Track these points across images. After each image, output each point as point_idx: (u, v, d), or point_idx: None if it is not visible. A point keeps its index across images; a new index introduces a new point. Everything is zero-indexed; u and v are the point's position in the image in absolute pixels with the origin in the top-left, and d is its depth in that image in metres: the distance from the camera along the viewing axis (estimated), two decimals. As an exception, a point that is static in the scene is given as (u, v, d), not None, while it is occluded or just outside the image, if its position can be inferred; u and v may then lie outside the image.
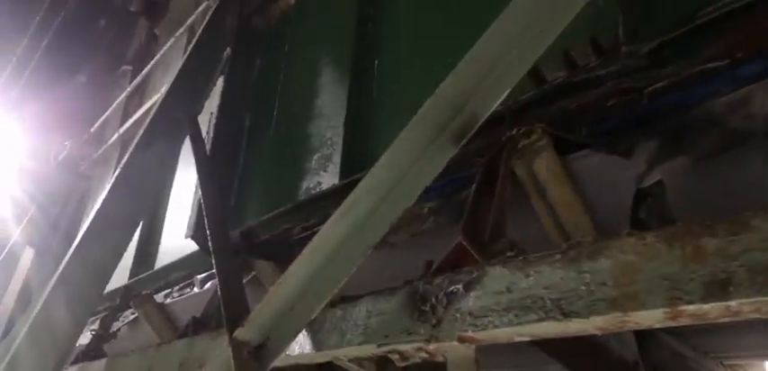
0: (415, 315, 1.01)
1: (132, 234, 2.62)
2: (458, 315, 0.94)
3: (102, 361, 2.22)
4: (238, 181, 3.06)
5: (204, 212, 1.84)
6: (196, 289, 2.99)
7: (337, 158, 2.35)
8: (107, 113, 5.44)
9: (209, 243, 1.63)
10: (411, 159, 1.07)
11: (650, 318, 0.73)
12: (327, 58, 2.71)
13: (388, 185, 1.08)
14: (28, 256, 5.01)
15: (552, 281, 0.83)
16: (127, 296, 3.39)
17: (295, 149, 2.68)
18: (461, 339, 0.91)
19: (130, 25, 6.41)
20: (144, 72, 5.02)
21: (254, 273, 2.40)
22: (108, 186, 2.58)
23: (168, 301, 3.00)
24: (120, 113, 5.61)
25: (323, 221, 2.36)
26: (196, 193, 3.02)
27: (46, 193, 5.48)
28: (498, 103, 1.01)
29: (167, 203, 3.78)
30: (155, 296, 3.04)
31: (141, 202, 2.67)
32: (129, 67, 6.04)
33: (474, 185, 1.18)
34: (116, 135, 4.99)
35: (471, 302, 0.92)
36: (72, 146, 5.27)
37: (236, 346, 1.16)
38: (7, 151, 5.82)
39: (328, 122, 2.51)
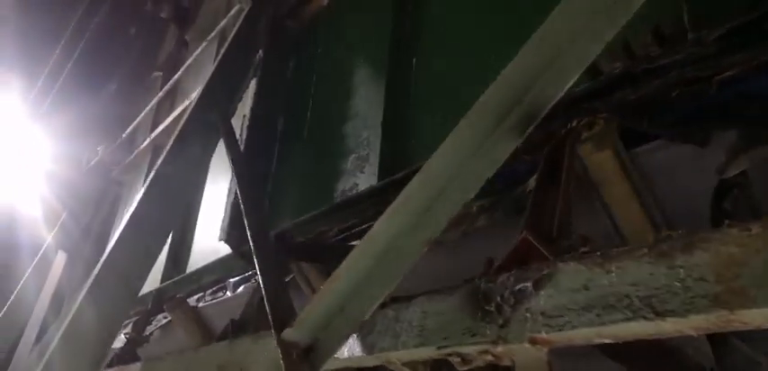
0: (479, 315, 0.95)
1: (166, 238, 2.60)
2: (528, 315, 0.87)
3: (137, 365, 2.19)
4: (272, 184, 3.02)
5: (244, 214, 1.80)
6: (229, 293, 2.96)
7: (374, 159, 2.29)
8: (138, 119, 5.48)
9: (251, 245, 1.58)
10: (470, 151, 1.01)
11: (762, 316, 0.65)
12: (362, 57, 2.66)
13: (445, 179, 1.02)
14: (60, 260, 5.04)
15: (639, 277, 0.76)
16: (159, 300, 3.37)
17: (330, 151, 2.63)
18: (533, 341, 0.85)
19: (161, 32, 6.47)
20: (174, 78, 5.04)
21: (291, 275, 2.36)
22: (141, 191, 2.57)
23: (201, 304, 2.97)
24: (150, 118, 5.64)
25: (361, 224, 2.33)
26: (229, 196, 3.00)
27: (77, 198, 5.52)
28: (564, 91, 0.94)
29: (200, 207, 3.76)
30: (187, 300, 3.01)
31: (174, 206, 2.66)
32: (160, 74, 6.08)
33: (535, 179, 1.12)
34: (147, 140, 5.01)
35: (543, 301, 0.86)
36: (104, 152, 5.31)
37: (285, 347, 1.11)
38: (39, 158, 5.89)
39: (364, 122, 2.47)
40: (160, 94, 5.21)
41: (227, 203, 2.96)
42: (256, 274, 2.84)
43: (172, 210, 2.64)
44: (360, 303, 1.08)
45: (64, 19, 7.17)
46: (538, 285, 0.88)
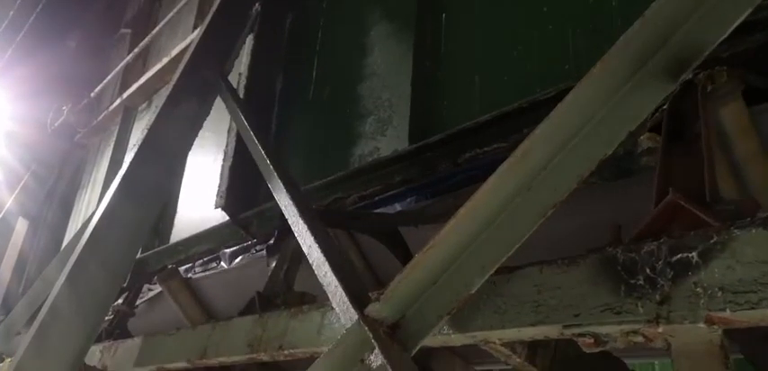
0: (622, 290, 0.81)
1: (163, 199, 2.40)
2: (698, 290, 0.74)
3: (137, 340, 1.98)
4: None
5: (269, 179, 1.61)
6: (224, 264, 2.76)
7: (399, 121, 2.13)
8: (107, 79, 5.13)
9: (287, 211, 1.40)
10: (606, 98, 0.86)
11: None
12: (381, 12, 2.47)
13: (575, 130, 0.87)
14: (22, 226, 4.71)
15: None
16: (142, 271, 3.14)
17: (342, 113, 2.45)
18: (710, 321, 0.71)
19: (129, -15, 6.07)
20: (148, 37, 4.71)
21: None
22: (133, 152, 2.36)
23: (194, 276, 2.76)
24: (118, 80, 5.30)
25: (384, 190, 2.17)
26: (226, 160, 2.79)
27: (40, 161, 5.16)
28: (730, 29, 0.80)
29: (183, 173, 3.51)
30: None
31: (170, 165, 2.45)
32: (128, 31, 5.71)
33: (662, 137, 0.99)
34: (118, 100, 4.69)
35: (718, 274, 0.73)
36: (69, 112, 4.94)
37: (373, 325, 0.95)
38: (2, 120, 5.48)
39: (384, 82, 2.29)
40: (131, 54, 4.87)
41: (223, 167, 2.74)
42: (258, 243, 2.65)
43: (167, 172, 2.44)
44: (461, 276, 0.92)
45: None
46: (706, 256, 0.75)
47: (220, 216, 2.86)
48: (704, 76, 1.01)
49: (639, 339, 0.79)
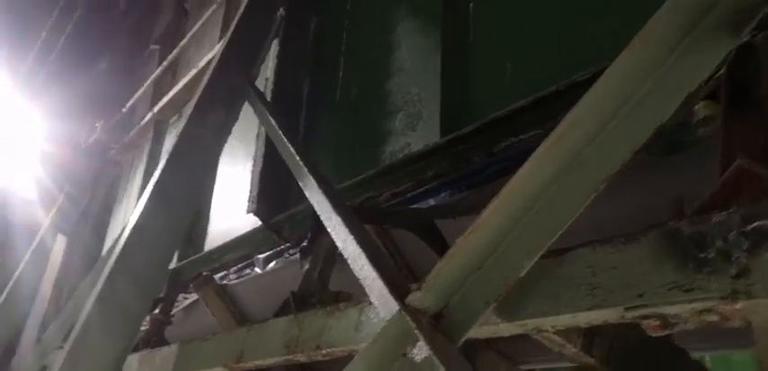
0: (690, 266, 0.74)
1: (193, 208, 2.40)
2: (784, 261, 0.66)
3: (173, 347, 1.96)
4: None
5: (300, 179, 1.57)
6: (258, 270, 2.73)
7: (430, 115, 2.07)
8: (137, 94, 5.20)
9: (329, 206, 1.35)
10: (661, 58, 0.79)
11: None
12: (405, 9, 2.42)
13: (626, 96, 0.81)
14: (60, 245, 4.78)
15: None
16: (175, 281, 3.14)
17: (370, 112, 2.41)
18: (802, 294, 0.64)
19: (157, 3, 6.16)
20: (176, 49, 4.76)
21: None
22: (163, 160, 2.36)
23: (229, 283, 2.74)
24: (150, 94, 5.36)
25: (417, 186, 2.11)
26: (256, 165, 2.77)
27: (74, 180, 5.24)
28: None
29: (215, 182, 3.51)
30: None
31: (199, 174, 2.45)
32: (158, 47, 5.78)
33: (722, 103, 0.91)
34: (149, 115, 4.74)
35: (807, 241, 0.65)
36: (101, 129, 5.02)
37: (415, 315, 0.89)
38: (33, 138, 5.60)
39: (412, 77, 2.24)
40: (159, 68, 4.91)
41: (253, 172, 2.73)
42: (291, 246, 2.63)
43: (197, 178, 2.44)
44: (508, 259, 0.86)
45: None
46: (785, 222, 0.68)
47: (253, 222, 2.85)
48: (763, 37, 0.93)
49: (714, 317, 0.72)
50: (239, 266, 2.94)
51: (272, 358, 1.46)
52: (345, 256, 1.19)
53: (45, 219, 5.05)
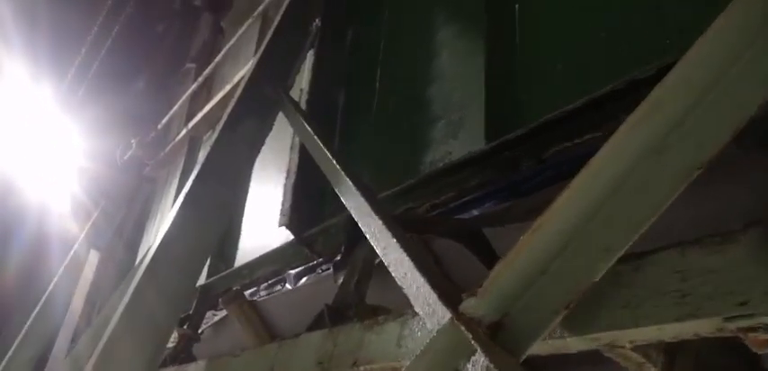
0: (808, 267, 0.62)
1: (225, 220, 2.32)
2: None
3: (201, 363, 1.88)
4: (335, 163, 2.71)
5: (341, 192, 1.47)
6: (289, 286, 2.64)
7: (473, 122, 1.96)
8: (173, 111, 5.22)
9: (369, 210, 1.25)
10: (760, 23, 0.67)
11: None
12: (446, 14, 2.33)
13: (724, 68, 0.69)
14: (93, 260, 4.79)
15: None
16: (205, 297, 3.07)
17: (409, 121, 2.31)
18: None
19: (193, 21, 6.22)
20: (211, 66, 4.77)
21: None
22: (195, 170, 2.31)
23: (258, 299, 2.65)
24: (185, 111, 5.38)
25: (459, 196, 2.00)
26: (289, 177, 2.69)
27: (109, 196, 5.27)
28: None
29: (247, 197, 3.46)
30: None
31: (231, 185, 2.39)
32: (193, 65, 5.83)
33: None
34: (184, 131, 4.74)
35: None
36: (137, 146, 5.04)
37: (470, 324, 0.78)
38: (71, 153, 5.67)
39: (453, 83, 2.14)
40: (194, 85, 4.93)
41: (286, 184, 2.65)
42: (324, 261, 2.53)
43: (229, 190, 2.37)
44: (580, 261, 0.74)
45: (93, 14, 6.97)
46: None
47: (284, 237, 2.77)
48: None
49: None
50: (270, 281, 2.86)
51: (305, 376, 1.36)
52: (386, 262, 1.08)
53: (79, 233, 5.07)
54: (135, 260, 5.24)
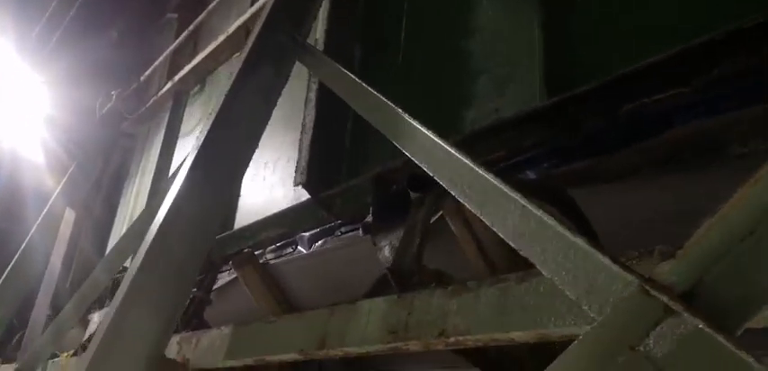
0: None
1: (240, 176, 2.15)
2: None
3: (225, 330, 1.71)
4: (351, 123, 2.54)
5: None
6: (302, 249, 2.48)
7: (524, 76, 1.82)
8: (155, 64, 4.91)
9: (452, 152, 1.10)
10: None
11: None
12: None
13: None
14: (69, 217, 4.51)
15: None
16: (208, 260, 2.88)
17: (441, 77, 2.15)
18: None
19: (173, -31, 5.87)
20: (201, 16, 4.48)
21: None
22: (208, 122, 2.13)
23: (271, 261, 2.48)
24: (166, 66, 5.09)
25: (509, 156, 1.86)
26: (304, 134, 2.51)
27: (85, 150, 4.96)
28: None
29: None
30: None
31: (246, 139, 2.21)
32: (175, 15, 5.50)
33: None
34: (169, 84, 4.46)
35: None
36: (117, 98, 4.74)
37: (661, 291, 0.64)
38: (42, 106, 5.34)
39: (498, 34, 1.99)
40: (181, 37, 4.64)
41: (302, 141, 2.46)
42: (343, 224, 2.37)
43: (244, 144, 2.20)
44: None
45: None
46: None
47: (290, 199, 2.60)
48: None
49: None
50: (278, 245, 2.69)
51: (371, 346, 1.21)
52: (501, 223, 0.92)
53: (54, 185, 4.78)
54: (113, 218, 4.98)
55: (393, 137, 1.36)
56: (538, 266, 0.84)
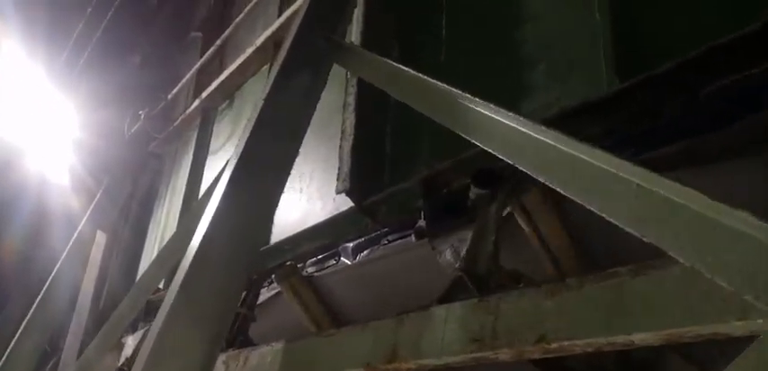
0: None
1: (284, 180, 2.07)
2: None
3: (276, 346, 1.60)
4: (390, 125, 2.42)
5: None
6: (346, 260, 2.36)
7: (587, 62, 1.68)
8: (181, 83, 4.87)
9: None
10: None
11: None
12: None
13: None
14: (100, 241, 4.46)
15: None
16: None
17: (489, 72, 2.04)
18: None
19: (194, -11, 5.88)
20: (227, 31, 4.43)
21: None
22: (247, 130, 2.05)
23: (316, 274, 2.37)
24: (191, 84, 5.05)
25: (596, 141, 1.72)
26: (345, 138, 2.40)
27: (114, 173, 4.94)
28: None
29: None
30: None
31: (288, 144, 2.14)
32: (199, 35, 5.48)
33: None
34: (197, 102, 4.41)
35: None
36: (145, 118, 4.70)
37: None
38: (69, 128, 5.35)
39: (553, 20, 1.86)
40: (210, 50, 4.59)
41: (343, 147, 2.36)
42: (390, 231, 2.26)
43: (285, 151, 2.12)
44: None
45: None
46: None
47: (328, 210, 2.50)
48: None
49: None
50: (318, 257, 2.58)
51: (451, 356, 1.08)
52: (612, 209, 0.80)
53: (80, 210, 4.76)
54: (143, 242, 4.92)
55: (463, 129, 1.24)
56: (673, 255, 0.71)
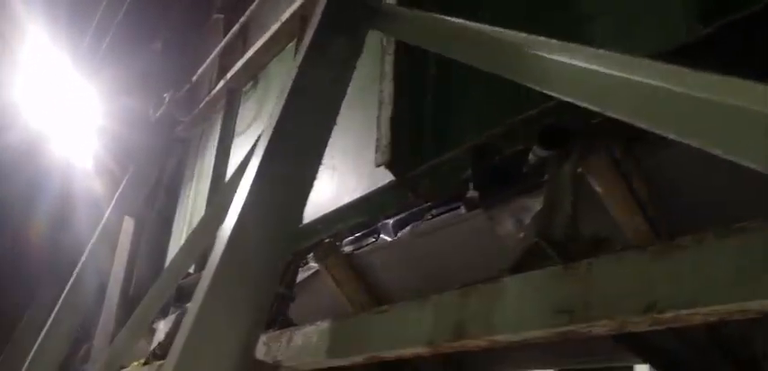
0: None
1: (321, 153, 1.95)
2: None
3: (322, 325, 1.48)
4: (430, 92, 2.29)
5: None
6: (386, 237, 2.24)
7: (657, 11, 1.53)
8: (205, 65, 4.78)
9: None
10: None
11: None
12: None
13: None
14: (129, 227, 4.40)
15: None
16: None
17: (540, 28, 1.88)
18: None
19: (214, -27, 5.78)
20: (249, 10, 4.32)
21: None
22: (281, 102, 1.94)
23: (356, 252, 2.25)
24: (215, 66, 4.95)
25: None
26: (383, 110, 2.28)
27: (140, 159, 4.87)
28: None
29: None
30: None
31: (325, 111, 2.02)
32: (221, 16, 5.38)
33: None
34: (221, 83, 4.31)
35: None
36: (170, 101, 4.62)
37: None
38: (95, 115, 5.30)
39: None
40: (233, 29, 4.48)
41: (382, 117, 2.23)
42: (433, 206, 2.13)
43: (321, 123, 2.00)
44: None
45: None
46: None
47: (364, 186, 2.38)
48: None
49: None
50: (357, 235, 2.46)
51: (533, 331, 0.95)
52: (752, 155, 0.66)
53: (105, 196, 4.71)
54: (170, 227, 4.87)
55: (536, 81, 1.10)
56: None
